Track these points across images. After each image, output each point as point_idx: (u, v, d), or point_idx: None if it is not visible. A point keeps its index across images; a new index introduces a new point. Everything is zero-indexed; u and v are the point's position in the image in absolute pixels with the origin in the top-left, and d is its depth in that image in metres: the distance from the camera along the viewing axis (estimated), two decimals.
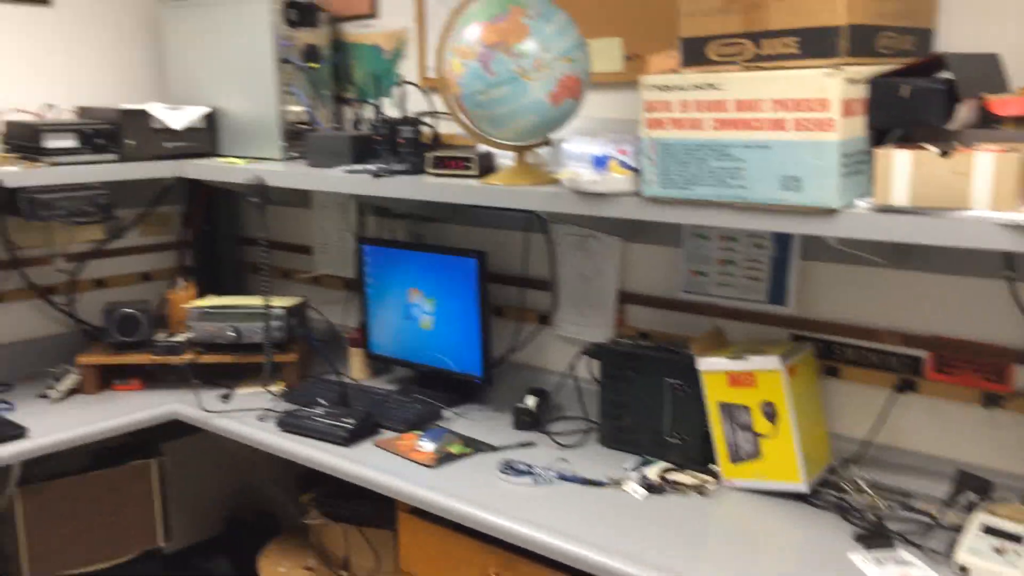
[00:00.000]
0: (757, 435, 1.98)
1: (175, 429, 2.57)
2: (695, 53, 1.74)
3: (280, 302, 2.74)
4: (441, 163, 2.23)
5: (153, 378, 2.74)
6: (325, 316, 3.09)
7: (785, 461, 1.95)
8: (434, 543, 2.07)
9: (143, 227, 3.15)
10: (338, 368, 2.63)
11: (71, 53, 2.90)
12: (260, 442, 2.35)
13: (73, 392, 2.66)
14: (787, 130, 1.60)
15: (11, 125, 2.59)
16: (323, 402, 2.45)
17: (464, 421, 2.44)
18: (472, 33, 1.98)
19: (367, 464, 2.16)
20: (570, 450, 2.23)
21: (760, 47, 1.65)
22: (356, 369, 2.81)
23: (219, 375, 2.71)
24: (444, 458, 2.19)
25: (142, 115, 2.71)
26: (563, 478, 2.07)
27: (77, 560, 2.65)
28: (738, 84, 1.65)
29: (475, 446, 2.26)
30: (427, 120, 2.50)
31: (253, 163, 2.70)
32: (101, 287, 3.06)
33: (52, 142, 2.54)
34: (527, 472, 2.10)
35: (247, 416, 2.47)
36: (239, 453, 2.40)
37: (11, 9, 2.76)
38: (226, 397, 2.62)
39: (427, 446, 2.23)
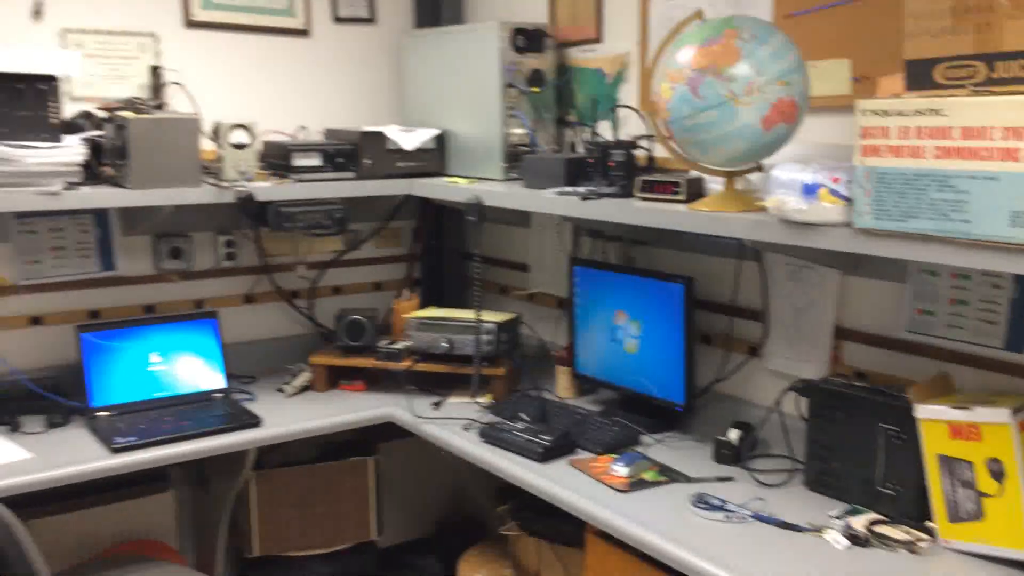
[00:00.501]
0: (981, 494, 1.79)
1: (393, 430, 2.73)
2: (921, 76, 1.62)
3: (493, 317, 2.84)
4: (649, 187, 2.22)
5: (375, 381, 2.93)
6: (537, 333, 3.16)
7: (1012, 525, 1.76)
8: (619, 568, 2.05)
9: (377, 240, 3.37)
10: (539, 385, 2.68)
11: (324, 80, 3.18)
12: (462, 450, 2.44)
13: (305, 388, 2.89)
14: (1019, 160, 1.45)
15: (267, 145, 2.88)
16: (524, 417, 2.51)
17: (662, 448, 2.40)
18: (683, 56, 1.96)
19: (559, 482, 2.19)
20: (770, 489, 2.13)
21: (993, 70, 1.51)
22: (562, 387, 2.85)
23: (434, 383, 2.85)
24: (637, 484, 2.17)
25: (379, 137, 2.92)
26: (759, 518, 1.98)
27: (300, 543, 2.88)
28: (966, 109, 1.52)
29: (670, 475, 2.22)
30: (643, 143, 2.50)
31: (475, 183, 2.82)
32: (338, 294, 3.31)
33: (299, 161, 2.79)
34: (721, 507, 2.03)
35: (453, 424, 2.57)
36: (451, 459, 2.50)
37: (277, 40, 3.07)
38: (437, 405, 2.75)
39: (621, 470, 2.21)
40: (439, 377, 2.84)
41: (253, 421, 2.56)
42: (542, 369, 2.97)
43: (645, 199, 2.22)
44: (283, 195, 2.72)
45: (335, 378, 2.93)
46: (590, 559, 2.13)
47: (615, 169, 2.35)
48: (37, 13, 2.64)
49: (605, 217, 2.25)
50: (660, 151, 2.46)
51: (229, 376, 2.80)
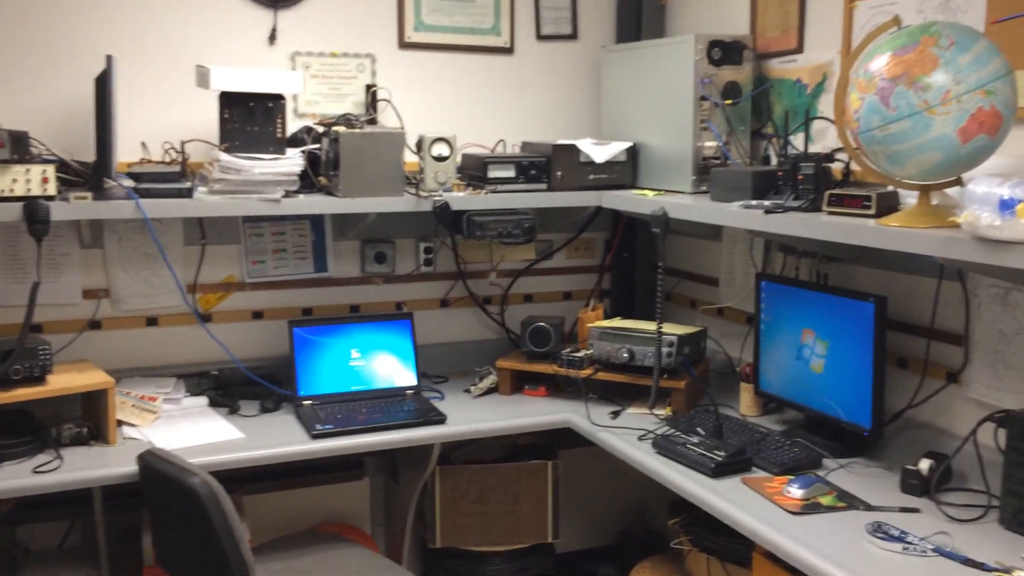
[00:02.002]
0: None
1: (574, 438, 2.79)
2: None
3: (675, 329, 2.83)
4: (838, 200, 2.14)
5: (557, 387, 3.00)
6: (724, 348, 3.11)
7: None
8: None
9: (569, 250, 3.45)
10: (722, 400, 2.63)
11: (524, 95, 3.30)
12: (634, 460, 2.45)
13: (491, 391, 3.01)
14: None
15: (466, 157, 3.03)
16: (701, 431, 2.48)
17: (844, 474, 2.30)
18: (875, 65, 1.89)
19: (729, 499, 2.15)
20: (959, 524, 1.99)
21: None
22: (745, 404, 2.79)
23: (615, 393, 2.88)
24: (811, 507, 2.09)
25: (571, 149, 2.99)
26: (940, 552, 1.86)
27: (479, 538, 2.99)
28: None
29: (848, 501, 2.12)
30: (839, 156, 2.41)
31: (663, 195, 2.83)
32: (528, 301, 3.42)
33: (494, 172, 2.92)
34: (900, 538, 1.92)
35: (629, 434, 2.59)
36: (631, 470, 2.52)
37: (482, 58, 3.22)
38: (615, 414, 2.77)
39: (795, 492, 2.14)
40: (619, 387, 2.86)
41: (440, 418, 2.70)
42: (727, 385, 2.93)
43: (833, 213, 2.15)
44: (476, 204, 2.86)
45: (520, 383, 3.02)
46: None
47: (804, 182, 2.29)
48: (272, 39, 2.93)
49: (788, 231, 2.19)
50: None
51: (420, 375, 2.96)
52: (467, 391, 3.00)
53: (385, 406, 2.78)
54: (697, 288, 3.31)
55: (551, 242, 3.39)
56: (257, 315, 3.04)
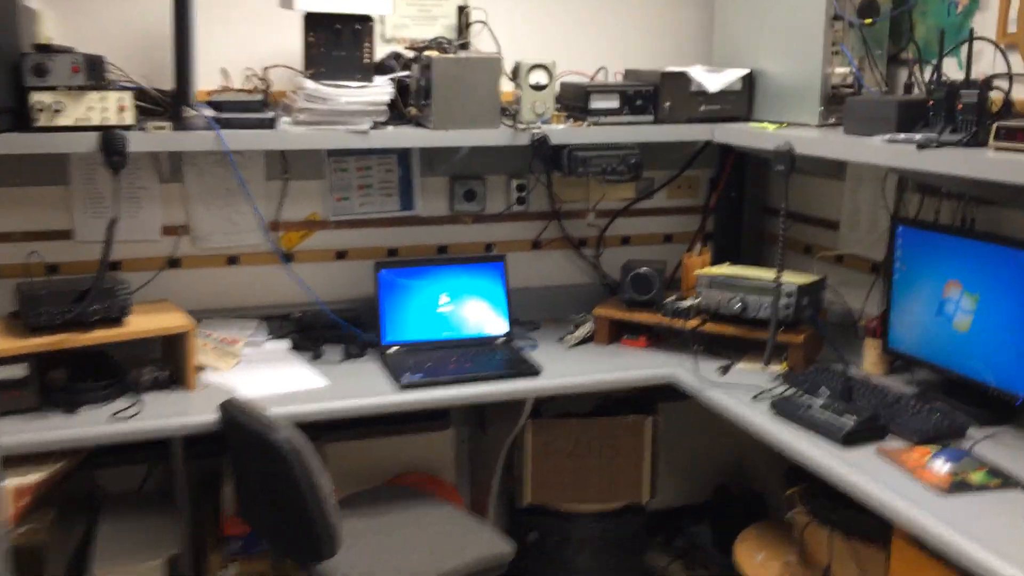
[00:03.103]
0: None
1: (673, 390, 2.58)
2: None
3: (794, 279, 2.56)
4: (1009, 135, 1.84)
5: (658, 338, 2.78)
6: (843, 299, 2.84)
7: None
8: None
9: (670, 189, 3.19)
10: (846, 357, 2.38)
11: (627, 18, 3.01)
12: (750, 423, 2.23)
13: (586, 340, 2.80)
14: None
15: (564, 87, 2.78)
16: (825, 392, 2.24)
17: (993, 445, 2.04)
18: None
19: (865, 472, 1.92)
20: None
21: None
22: (869, 362, 2.53)
23: (722, 345, 2.64)
24: (959, 485, 1.85)
25: (681, 78, 2.72)
26: None
27: (570, 496, 2.82)
28: None
29: (1003, 478, 1.87)
30: (998, 84, 2.09)
31: (785, 128, 2.54)
32: (626, 244, 3.18)
33: (597, 103, 2.66)
34: None
35: (743, 393, 2.36)
36: (733, 426, 2.31)
37: None
38: (725, 370, 2.54)
39: (941, 467, 1.90)
40: (728, 340, 2.62)
41: (533, 371, 2.51)
42: (845, 340, 2.67)
43: (1002, 149, 1.85)
44: (578, 138, 2.61)
45: (618, 332, 2.81)
46: (896, 565, 1.85)
47: (963, 112, 1.99)
48: None
49: (948, 170, 1.90)
50: (1023, 93, 2.06)
51: (512, 322, 2.77)
52: (561, 340, 2.80)
53: (476, 355, 2.60)
54: (812, 232, 3.02)
55: (651, 180, 3.13)
56: (341, 255, 2.87)
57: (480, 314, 2.74)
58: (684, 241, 3.23)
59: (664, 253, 3.14)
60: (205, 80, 2.52)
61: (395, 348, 2.63)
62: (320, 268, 2.84)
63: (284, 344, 2.65)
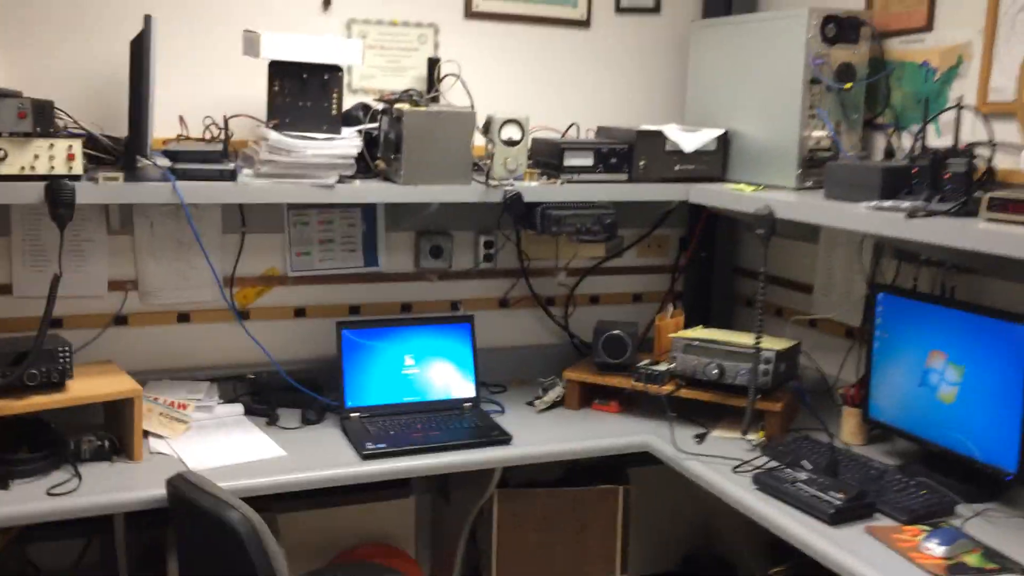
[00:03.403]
0: None
1: (644, 454, 2.47)
2: None
3: (772, 343, 2.49)
4: (1002, 206, 1.79)
5: (630, 402, 2.68)
6: (816, 364, 2.78)
7: None
8: None
9: (641, 248, 3.12)
10: (829, 428, 2.30)
11: (601, 74, 2.96)
12: (734, 499, 2.13)
13: (556, 404, 2.69)
14: None
15: (536, 143, 2.70)
16: (807, 465, 2.16)
17: (983, 523, 1.97)
18: None
19: (858, 554, 1.82)
20: None
21: None
22: (848, 431, 2.45)
23: (696, 412, 2.55)
24: (956, 568, 1.77)
25: (656, 136, 2.66)
26: None
27: (539, 572, 2.68)
28: None
29: (999, 562, 1.79)
30: (979, 152, 2.07)
31: (763, 191, 2.49)
32: (595, 303, 3.10)
33: (572, 160, 2.59)
34: None
35: (721, 464, 2.26)
36: (705, 494, 2.21)
37: (556, 31, 2.88)
38: (700, 438, 2.45)
39: (935, 548, 1.82)
40: (703, 406, 2.54)
41: (503, 438, 2.39)
42: (822, 406, 2.59)
43: (995, 220, 1.80)
44: (552, 196, 2.53)
45: (588, 396, 2.70)
46: None
47: (951, 181, 1.95)
48: (327, 3, 2.61)
49: (939, 240, 1.85)
50: (1006, 162, 2.03)
51: (479, 384, 2.65)
52: (531, 404, 2.69)
53: (442, 421, 2.47)
54: (786, 295, 2.97)
55: (622, 238, 3.05)
56: (300, 312, 2.73)
57: (446, 376, 2.61)
58: (654, 300, 3.15)
59: (634, 313, 3.07)
60: (161, 127, 2.37)
61: (356, 413, 2.49)
62: (277, 326, 2.69)
63: (237, 408, 2.49)
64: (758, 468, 2.20)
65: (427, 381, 2.59)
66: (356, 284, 2.78)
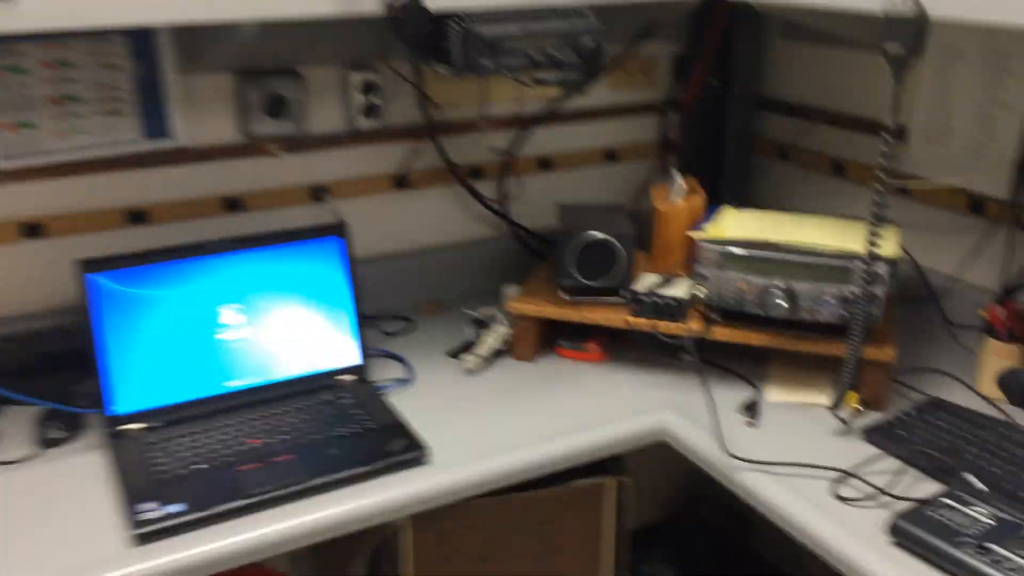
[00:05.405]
0: None
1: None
2: None
3: (879, 245, 1.41)
4: None
5: (622, 343, 1.62)
6: (912, 257, 1.74)
7: None
8: None
9: (615, 76, 1.96)
10: (930, 365, 1.29)
11: None
12: (843, 558, 1.11)
13: (497, 354, 1.61)
14: None
15: None
16: (976, 483, 1.15)
17: None
18: None
19: None
20: None
21: None
22: (985, 379, 1.45)
23: (728, 356, 1.52)
24: None
25: None
26: None
27: None
28: None
29: None
30: None
31: None
32: (546, 169, 1.95)
33: None
34: None
35: (805, 480, 1.24)
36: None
37: None
38: (750, 411, 1.41)
39: None
40: (746, 352, 1.49)
41: (410, 455, 1.31)
42: (920, 326, 1.60)
43: None
44: (479, 2, 1.33)
45: (550, 335, 1.63)
46: None
47: None
48: None
49: None
50: None
51: (362, 321, 1.52)
52: (455, 357, 1.60)
53: (300, 427, 1.36)
54: (847, 140, 1.87)
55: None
56: (32, 231, 1.53)
57: (303, 334, 1.48)
58: (635, 159, 2.04)
59: (607, 180, 1.97)
60: None
61: (136, 425, 1.35)
62: None
63: None
64: (881, 492, 1.18)
65: (265, 349, 1.46)
66: (134, 172, 1.58)
